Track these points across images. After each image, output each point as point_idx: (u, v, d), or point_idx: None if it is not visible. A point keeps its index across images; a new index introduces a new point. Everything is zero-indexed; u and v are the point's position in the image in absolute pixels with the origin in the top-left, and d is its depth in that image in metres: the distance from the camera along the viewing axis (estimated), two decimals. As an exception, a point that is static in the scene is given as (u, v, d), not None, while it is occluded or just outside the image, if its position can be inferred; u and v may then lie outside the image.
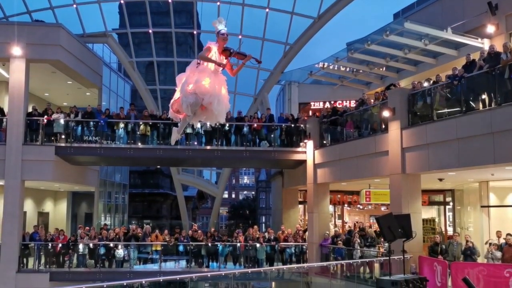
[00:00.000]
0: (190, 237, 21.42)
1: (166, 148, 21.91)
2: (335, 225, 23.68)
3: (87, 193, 29.22)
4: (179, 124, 8.22)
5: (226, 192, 71.39)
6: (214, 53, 7.51)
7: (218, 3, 26.86)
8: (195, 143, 22.25)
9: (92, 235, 21.00)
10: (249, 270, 18.15)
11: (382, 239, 17.40)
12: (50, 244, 20.73)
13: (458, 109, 14.43)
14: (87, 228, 22.32)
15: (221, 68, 7.54)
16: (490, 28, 17.44)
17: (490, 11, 17.41)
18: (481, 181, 18.85)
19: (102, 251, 20.66)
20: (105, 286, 12.60)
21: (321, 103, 27.35)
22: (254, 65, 7.58)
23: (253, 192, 73.62)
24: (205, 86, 7.31)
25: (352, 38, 29.82)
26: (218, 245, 21.25)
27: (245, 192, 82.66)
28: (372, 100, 19.20)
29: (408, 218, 12.18)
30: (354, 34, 39.36)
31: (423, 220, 19.53)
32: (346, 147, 19.33)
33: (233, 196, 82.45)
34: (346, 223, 25.16)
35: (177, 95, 7.77)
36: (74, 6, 26.31)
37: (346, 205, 25.23)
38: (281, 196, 26.29)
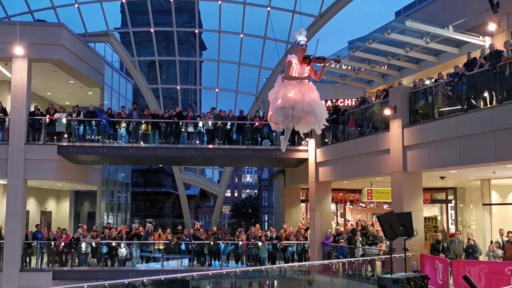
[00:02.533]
0: (193, 236, 21.46)
1: (168, 147, 21.96)
2: (337, 223, 23.68)
3: (89, 192, 29.29)
4: (284, 132, 8.50)
5: (228, 190, 71.54)
6: (295, 65, 7.78)
7: (220, 2, 26.89)
8: (197, 142, 22.28)
9: (94, 234, 21.05)
10: (251, 268, 18.18)
11: (384, 237, 17.42)
12: (52, 243, 20.78)
13: (459, 107, 14.43)
14: (85, 227, 22.34)
15: (308, 82, 7.86)
16: (492, 26, 17.43)
17: (491, 9, 17.39)
18: (483, 179, 18.84)
19: (104, 250, 20.72)
20: (107, 284, 12.67)
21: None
22: (333, 64, 8.13)
23: (256, 191, 73.71)
24: (292, 97, 7.64)
25: (354, 37, 29.81)
26: (220, 244, 21.30)
27: (247, 190, 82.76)
28: (373, 98, 19.20)
29: (410, 216, 12.20)
30: (356, 32, 39.35)
31: (425, 218, 19.54)
32: (347, 145, 19.34)
33: (236, 194, 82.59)
34: (348, 221, 25.18)
35: (270, 110, 8.17)
36: (76, 5, 26.36)
37: (348, 203, 25.25)
38: (283, 195, 26.32)
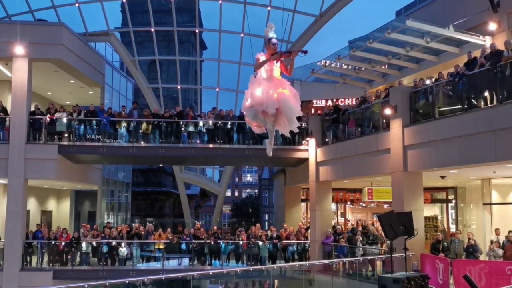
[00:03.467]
0: (193, 235, 21.48)
1: (168, 146, 21.98)
2: (337, 223, 23.67)
3: (90, 192, 29.31)
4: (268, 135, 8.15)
5: (228, 190, 71.57)
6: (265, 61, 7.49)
7: (220, 2, 26.89)
8: (198, 141, 22.30)
9: (95, 233, 21.07)
10: (251, 268, 18.18)
11: (384, 237, 17.43)
12: (53, 242, 20.80)
13: (459, 106, 14.44)
14: (88, 226, 22.35)
15: (275, 71, 7.47)
16: (492, 26, 17.45)
17: (491, 9, 17.42)
18: (483, 179, 18.85)
19: (105, 249, 20.74)
20: (108, 284, 12.68)
21: (323, 101, 27.37)
22: (301, 56, 7.55)
23: (256, 190, 73.72)
24: (259, 95, 7.26)
25: (354, 36, 29.83)
26: (221, 243, 21.30)
27: (247, 190, 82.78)
28: (373, 98, 19.21)
29: (410, 216, 12.21)
30: (356, 32, 39.38)
31: (426, 217, 19.55)
32: (348, 145, 19.34)
33: (236, 194, 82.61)
34: (348, 220, 25.19)
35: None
36: (77, 5, 26.36)
37: (348, 203, 25.26)
38: (284, 194, 26.33)
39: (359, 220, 23.38)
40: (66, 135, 21.48)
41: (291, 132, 23.08)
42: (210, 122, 22.06)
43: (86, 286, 11.31)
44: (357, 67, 24.00)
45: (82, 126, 21.78)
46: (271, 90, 7.27)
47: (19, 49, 20.48)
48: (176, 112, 22.39)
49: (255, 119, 7.44)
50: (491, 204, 18.66)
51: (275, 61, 7.41)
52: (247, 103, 7.38)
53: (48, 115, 21.38)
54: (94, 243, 20.75)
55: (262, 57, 7.46)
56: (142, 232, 21.49)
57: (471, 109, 13.80)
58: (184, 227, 23.71)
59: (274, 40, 7.55)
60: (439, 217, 22.54)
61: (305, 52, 7.56)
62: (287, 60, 7.48)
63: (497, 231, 15.86)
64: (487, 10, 17.73)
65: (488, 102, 13.54)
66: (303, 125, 22.31)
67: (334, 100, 26.30)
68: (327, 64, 24.12)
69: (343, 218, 25.25)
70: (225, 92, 29.59)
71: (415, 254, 15.35)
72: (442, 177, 18.45)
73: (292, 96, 7.47)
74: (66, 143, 21.31)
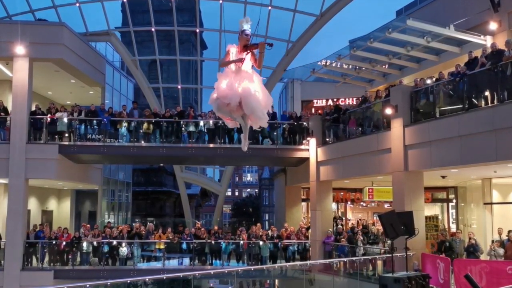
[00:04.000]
0: (194, 235, 21.49)
1: (169, 146, 21.99)
2: (337, 223, 23.65)
3: (90, 191, 29.32)
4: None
5: (229, 190, 71.63)
6: (232, 54, 7.41)
7: (221, 1, 26.87)
8: (198, 141, 22.29)
9: (95, 233, 21.08)
10: (252, 267, 18.20)
11: (385, 236, 17.44)
12: (54, 242, 20.81)
13: (460, 106, 14.44)
14: (88, 226, 22.37)
15: (242, 65, 7.32)
16: (493, 25, 17.46)
17: (492, 8, 17.41)
18: (484, 178, 18.85)
19: (106, 249, 20.74)
20: (108, 283, 12.69)
21: (324, 101, 27.38)
22: (268, 49, 7.38)
23: (256, 190, 73.75)
24: (223, 88, 7.21)
25: (355, 36, 29.83)
26: (222, 243, 21.31)
27: (248, 189, 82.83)
28: (373, 98, 19.22)
29: (411, 215, 12.23)
30: (357, 31, 39.35)
31: (426, 217, 19.55)
32: (348, 144, 19.35)
33: (236, 193, 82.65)
34: (349, 220, 25.18)
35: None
36: (77, 4, 26.35)
37: (349, 202, 25.26)
38: (284, 194, 26.34)
39: (360, 219, 23.39)
40: (66, 135, 21.48)
41: (292, 132, 22.87)
42: (211, 121, 22.07)
43: (87, 285, 11.31)
44: (357, 67, 24.00)
45: (83, 126, 21.79)
46: (236, 83, 7.17)
47: (19, 49, 20.49)
48: (177, 112, 22.39)
49: (219, 112, 7.39)
50: (491, 203, 18.66)
51: (244, 54, 7.31)
52: (214, 95, 7.32)
53: (49, 115, 21.38)
54: (95, 243, 20.76)
55: (232, 48, 7.41)
56: (143, 232, 21.50)
57: (472, 109, 13.80)
58: (184, 226, 23.71)
59: (247, 32, 7.44)
60: (439, 217, 22.55)
61: (271, 45, 7.46)
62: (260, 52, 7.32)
63: (499, 230, 15.84)
64: (488, 9, 17.73)
65: (489, 101, 13.54)
66: (304, 124, 22.36)
67: (335, 99, 26.29)
68: (327, 63, 24.12)
69: (343, 218, 25.24)
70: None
71: (416, 253, 15.35)
72: (443, 177, 18.45)
73: (260, 90, 7.31)
74: (66, 143, 21.32)
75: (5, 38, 20.67)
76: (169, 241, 21.07)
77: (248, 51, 7.32)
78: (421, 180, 16.30)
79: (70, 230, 23.86)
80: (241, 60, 7.29)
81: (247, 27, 7.51)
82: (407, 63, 21.80)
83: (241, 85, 7.15)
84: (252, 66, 7.43)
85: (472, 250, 15.18)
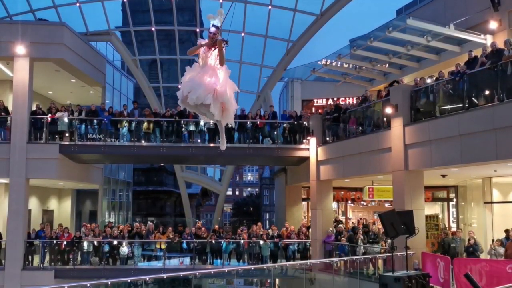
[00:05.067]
0: (194, 234, 21.50)
1: (169, 145, 22.00)
2: (337, 222, 23.67)
3: (91, 191, 29.34)
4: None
5: (229, 189, 71.61)
6: (202, 50, 7.54)
7: (221, 1, 26.87)
8: (199, 140, 22.31)
9: (96, 232, 21.10)
10: (252, 267, 18.23)
11: (385, 236, 17.45)
12: (54, 242, 20.83)
13: (460, 105, 14.44)
14: (89, 226, 22.37)
15: (210, 59, 7.46)
16: (493, 24, 17.46)
17: (492, 7, 17.41)
18: (484, 177, 18.87)
19: (106, 248, 20.77)
20: (109, 283, 12.72)
21: (324, 100, 27.38)
22: (225, 46, 7.52)
23: (257, 189, 73.77)
24: (185, 81, 7.44)
25: (355, 35, 29.80)
26: (222, 242, 21.32)
27: (248, 189, 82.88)
28: (373, 97, 19.22)
29: (411, 214, 12.23)
30: (357, 30, 39.34)
31: (427, 216, 19.56)
32: (349, 144, 19.36)
33: (237, 193, 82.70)
34: (349, 219, 25.20)
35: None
36: (77, 4, 26.35)
37: (349, 201, 25.26)
38: (285, 193, 26.35)
39: (360, 219, 23.40)
40: (67, 134, 21.50)
41: (292, 131, 22.83)
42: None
43: (88, 285, 11.34)
44: (358, 66, 24.00)
45: (83, 126, 21.80)
46: (197, 77, 7.35)
47: (20, 49, 20.50)
48: (177, 111, 22.40)
49: (182, 104, 7.57)
50: (492, 202, 18.68)
51: (212, 49, 7.46)
52: (179, 87, 7.54)
53: (49, 115, 21.40)
54: (95, 243, 20.78)
55: (203, 42, 7.60)
56: (143, 232, 21.51)
57: (472, 108, 13.81)
58: (185, 226, 23.73)
59: (212, 29, 7.56)
60: (440, 216, 22.56)
61: (226, 42, 7.59)
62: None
63: (507, 233, 15.80)
64: (488, 8, 17.73)
65: (489, 101, 13.54)
66: (304, 123, 22.37)
67: (335, 99, 26.29)
68: (328, 63, 24.13)
69: (344, 217, 25.26)
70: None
71: (416, 252, 15.37)
72: (443, 176, 18.45)
73: (223, 85, 7.36)
74: (67, 143, 21.34)
75: (6, 38, 20.69)
76: (169, 240, 21.09)
77: (212, 48, 7.46)
78: (421, 179, 16.32)
79: (71, 229, 23.86)
80: (201, 45, 7.44)
81: (215, 22, 7.62)
82: (407, 62, 21.80)
83: (201, 77, 7.29)
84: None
85: (472, 250, 15.18)
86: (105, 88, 26.79)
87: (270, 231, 22.23)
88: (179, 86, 7.53)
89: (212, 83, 7.26)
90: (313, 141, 21.46)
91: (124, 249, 20.77)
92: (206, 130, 22.17)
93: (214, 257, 21.47)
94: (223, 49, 7.45)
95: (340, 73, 25.93)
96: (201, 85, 7.22)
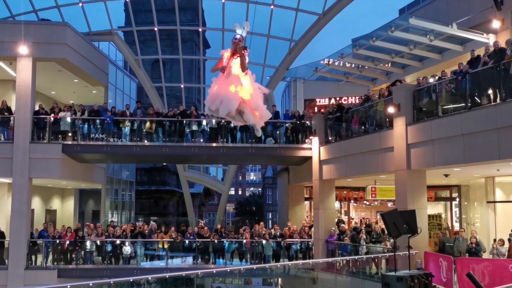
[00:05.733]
0: (197, 234, 21.52)
1: (172, 145, 22.02)
2: (339, 222, 23.66)
3: (94, 191, 29.40)
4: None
5: (232, 188, 71.61)
6: (225, 59, 7.88)
7: (223, 0, 26.90)
8: (201, 140, 22.33)
9: (99, 232, 21.13)
10: (255, 266, 18.23)
11: (388, 235, 17.43)
12: (57, 241, 20.87)
13: (463, 104, 14.41)
14: (92, 225, 22.41)
15: (233, 68, 7.75)
16: (496, 24, 17.40)
17: (495, 6, 17.36)
18: (487, 177, 18.83)
19: (109, 248, 20.80)
20: (112, 282, 12.75)
21: (327, 100, 27.36)
22: (246, 52, 7.78)
23: (260, 189, 73.73)
24: (210, 93, 7.85)
25: (357, 34, 29.80)
26: (225, 242, 21.34)
27: (251, 188, 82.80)
28: (377, 96, 19.21)
29: (413, 214, 12.21)
30: (359, 30, 39.31)
31: (430, 216, 19.54)
32: (351, 143, 19.35)
33: (240, 192, 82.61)
34: (352, 219, 25.19)
35: None
36: (80, 4, 26.44)
37: (352, 201, 25.25)
38: (287, 193, 26.34)
39: (363, 218, 23.39)
40: (70, 134, 21.53)
41: (295, 131, 22.89)
42: (214, 120, 22.09)
43: (91, 284, 11.36)
44: (360, 66, 23.98)
45: (86, 125, 21.84)
46: (221, 89, 7.74)
47: (23, 49, 20.54)
48: (180, 111, 22.43)
49: (211, 112, 8.08)
50: (495, 202, 18.65)
51: (234, 58, 7.75)
52: (208, 97, 8.02)
53: (52, 115, 21.45)
54: (98, 242, 20.82)
55: (226, 53, 7.91)
56: (146, 231, 21.54)
57: (475, 107, 13.77)
58: (187, 226, 23.75)
59: (237, 36, 7.89)
60: (443, 215, 22.53)
61: (245, 48, 7.83)
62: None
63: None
64: (491, 7, 17.68)
65: (492, 100, 13.51)
66: (307, 123, 22.36)
67: (338, 98, 26.26)
68: (330, 62, 24.11)
69: (346, 217, 25.24)
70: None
71: (419, 252, 15.35)
72: (446, 175, 18.43)
73: (236, 91, 7.71)
74: (70, 142, 21.37)
75: (9, 38, 20.73)
76: (172, 240, 21.12)
77: (235, 56, 7.75)
78: (424, 179, 16.29)
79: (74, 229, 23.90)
80: (223, 70, 7.77)
81: (239, 31, 7.94)
82: (410, 61, 21.77)
83: (227, 90, 7.67)
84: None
85: (474, 251, 15.14)
86: (108, 88, 26.84)
87: (272, 230, 22.24)
88: (207, 100, 7.93)
89: (238, 95, 7.64)
90: (315, 140, 21.46)
91: (127, 249, 20.81)
92: (208, 130, 22.19)
93: (216, 257, 21.48)
94: (245, 56, 7.75)
95: (343, 73, 25.91)
96: (230, 99, 7.61)
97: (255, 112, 7.81)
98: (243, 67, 7.74)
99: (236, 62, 7.73)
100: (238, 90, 7.64)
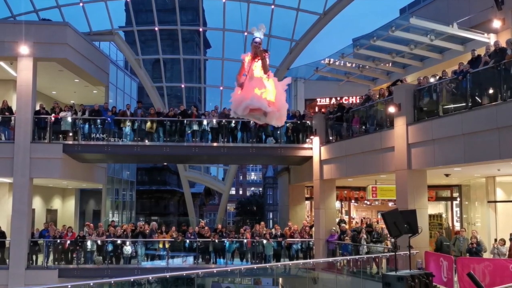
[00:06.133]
0: (197, 234, 21.52)
1: (172, 145, 22.03)
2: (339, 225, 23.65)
3: (95, 190, 29.41)
4: None
5: (233, 188, 71.60)
6: (246, 63, 7.98)
7: (224, 0, 26.90)
8: (202, 140, 22.32)
9: (100, 232, 21.15)
10: (255, 266, 18.22)
11: (389, 235, 17.42)
12: (58, 241, 20.88)
13: (463, 104, 14.41)
14: (92, 225, 22.43)
15: (255, 71, 7.90)
16: (496, 23, 17.40)
17: (496, 6, 17.36)
18: (487, 177, 18.82)
19: (110, 247, 20.81)
20: (113, 282, 12.75)
21: (327, 99, 27.35)
22: (266, 55, 7.93)
23: (260, 189, 73.77)
24: (235, 96, 8.02)
25: (358, 34, 29.81)
26: (225, 242, 21.34)
27: (252, 188, 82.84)
28: (377, 96, 19.21)
29: (414, 213, 12.21)
30: (360, 30, 39.33)
31: (430, 215, 19.52)
32: (352, 143, 19.35)
33: (240, 192, 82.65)
34: (353, 219, 25.19)
35: None
36: (81, 4, 26.45)
37: (352, 201, 25.25)
38: (288, 192, 26.34)
39: (364, 218, 23.38)
40: (71, 134, 21.55)
41: (295, 130, 22.95)
42: (214, 120, 22.10)
43: (91, 284, 11.37)
44: (361, 65, 23.97)
45: (87, 125, 21.86)
46: (245, 92, 7.87)
47: (24, 49, 20.55)
48: (180, 111, 22.44)
49: (235, 114, 8.24)
50: (495, 202, 18.63)
51: (255, 61, 7.87)
52: (232, 100, 8.19)
53: (53, 114, 21.46)
54: (99, 242, 20.83)
55: (246, 57, 8.01)
56: (147, 231, 21.55)
57: (475, 107, 13.77)
58: (188, 225, 23.74)
59: (257, 40, 7.91)
60: (443, 215, 22.52)
61: (266, 51, 7.97)
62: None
63: None
64: (491, 7, 17.67)
65: (492, 100, 13.51)
66: (307, 123, 22.37)
67: (338, 98, 26.25)
68: (331, 62, 24.10)
69: (347, 216, 25.24)
70: (229, 91, 29.49)
71: (419, 252, 15.35)
72: (447, 175, 18.42)
73: (271, 93, 7.88)
74: (71, 142, 21.39)
75: (9, 38, 20.74)
76: (173, 239, 21.12)
77: (256, 59, 7.85)
78: (425, 179, 16.28)
79: (75, 229, 23.94)
80: (241, 86, 7.94)
81: (258, 34, 7.95)
82: (411, 61, 21.76)
83: (248, 95, 7.81)
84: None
85: (475, 251, 15.13)
86: (109, 87, 26.85)
87: (273, 230, 22.24)
88: (232, 104, 8.13)
89: (263, 97, 7.80)
90: (316, 140, 21.47)
91: (128, 249, 20.81)
92: (209, 130, 22.19)
93: (217, 256, 21.49)
94: (266, 58, 7.88)
95: (343, 72, 25.90)
96: (258, 100, 7.76)
97: (279, 112, 8.00)
98: (265, 69, 7.88)
99: (257, 65, 7.86)
100: (263, 93, 7.81)
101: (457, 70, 15.20)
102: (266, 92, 7.84)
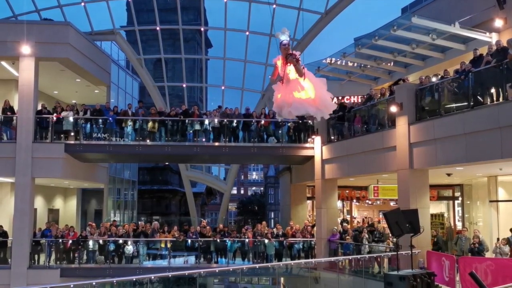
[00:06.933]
0: (199, 233, 21.53)
1: (174, 145, 22.04)
2: (342, 224, 23.64)
3: (96, 190, 29.44)
4: None
5: (234, 188, 71.56)
6: (278, 67, 8.15)
7: (225, 0, 26.90)
8: (203, 139, 22.34)
9: (101, 231, 21.16)
10: (257, 265, 18.22)
11: (390, 234, 17.40)
12: (60, 240, 20.90)
13: (465, 104, 14.40)
14: (94, 224, 22.42)
15: (290, 75, 8.06)
16: (498, 22, 17.37)
17: (498, 5, 17.33)
18: (489, 176, 18.81)
19: (111, 247, 20.82)
20: (114, 281, 12.76)
21: (305, 96, 27.24)
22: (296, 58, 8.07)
23: (262, 188, 73.76)
24: (276, 101, 8.26)
25: (360, 33, 29.77)
26: (227, 241, 21.35)
27: (253, 188, 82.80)
28: (379, 95, 19.18)
29: (416, 213, 12.19)
30: (362, 29, 39.27)
31: (432, 215, 19.49)
32: (353, 142, 19.33)
33: (242, 192, 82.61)
34: (354, 218, 25.18)
35: None
36: (82, 4, 26.48)
37: (354, 200, 25.24)
38: (289, 192, 26.33)
39: (365, 217, 23.37)
40: (72, 134, 21.58)
41: (297, 130, 22.96)
42: (216, 120, 22.10)
43: (93, 283, 11.38)
44: (362, 65, 23.93)
45: (89, 125, 21.87)
46: (286, 95, 8.07)
47: (25, 49, 20.58)
48: (182, 111, 22.44)
49: (279, 117, 8.62)
50: (497, 201, 18.61)
51: (288, 65, 7.96)
52: (274, 106, 8.54)
53: (55, 114, 21.48)
54: (100, 241, 20.84)
55: (278, 62, 8.15)
56: (149, 231, 21.56)
57: (477, 106, 13.75)
58: (190, 225, 23.74)
59: (284, 42, 8.02)
60: (445, 215, 22.50)
61: (293, 55, 8.02)
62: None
63: None
64: (493, 6, 17.64)
65: (494, 99, 13.49)
66: (309, 122, 22.35)
67: (340, 97, 26.18)
68: (332, 61, 24.05)
69: (349, 216, 25.23)
70: (231, 90, 29.63)
71: (421, 251, 15.33)
72: (448, 175, 18.41)
73: (311, 93, 8.11)
74: (72, 142, 21.41)
75: (11, 38, 20.77)
76: (174, 239, 21.13)
77: (288, 63, 7.97)
78: (426, 178, 16.27)
79: (77, 228, 23.96)
80: (281, 80, 8.11)
81: (283, 37, 8.05)
82: (412, 60, 21.73)
83: (290, 96, 8.05)
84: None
85: (477, 249, 15.12)
86: (110, 87, 26.87)
87: (275, 230, 22.23)
88: (274, 107, 8.49)
89: (304, 99, 8.06)
90: (317, 140, 21.45)
91: (129, 248, 20.83)
92: (210, 129, 22.19)
93: (219, 256, 21.49)
94: (299, 63, 8.00)
95: (345, 72, 25.85)
96: (302, 105, 8.04)
97: (321, 110, 8.25)
98: (300, 73, 8.01)
99: (291, 69, 7.97)
100: (302, 94, 7.98)
101: (459, 69, 15.17)
102: (305, 92, 8.04)
